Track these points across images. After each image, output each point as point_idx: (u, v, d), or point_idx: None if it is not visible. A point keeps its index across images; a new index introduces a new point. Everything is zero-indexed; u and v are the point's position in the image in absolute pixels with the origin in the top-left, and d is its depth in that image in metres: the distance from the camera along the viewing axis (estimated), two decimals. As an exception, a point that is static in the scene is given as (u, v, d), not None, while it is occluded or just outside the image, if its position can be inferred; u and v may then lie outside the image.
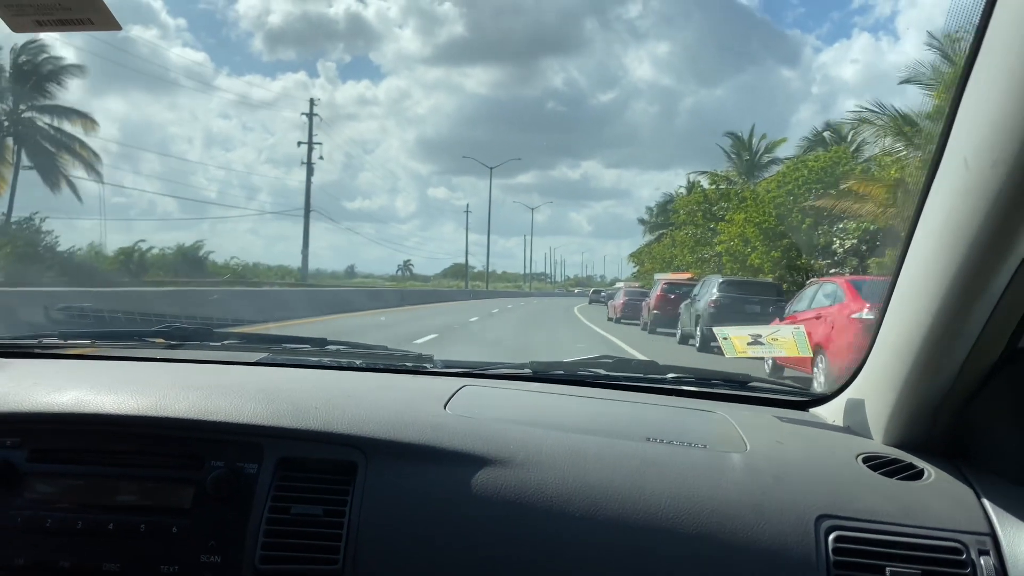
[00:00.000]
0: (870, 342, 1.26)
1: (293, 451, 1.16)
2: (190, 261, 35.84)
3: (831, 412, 1.43)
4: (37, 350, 1.64)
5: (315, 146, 44.91)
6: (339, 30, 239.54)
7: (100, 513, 1.14)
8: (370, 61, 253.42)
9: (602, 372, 1.64)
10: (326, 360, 1.68)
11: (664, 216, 57.21)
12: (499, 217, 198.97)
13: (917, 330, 1.08)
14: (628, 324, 22.45)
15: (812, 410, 1.50)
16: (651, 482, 1.09)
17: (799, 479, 1.11)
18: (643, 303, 20.85)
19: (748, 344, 1.68)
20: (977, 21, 0.88)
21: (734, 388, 1.59)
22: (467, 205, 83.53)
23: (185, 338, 1.72)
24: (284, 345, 1.76)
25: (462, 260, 74.08)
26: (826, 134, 29.46)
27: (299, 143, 44.26)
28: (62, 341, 1.67)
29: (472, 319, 20.36)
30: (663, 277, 42.24)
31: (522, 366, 1.65)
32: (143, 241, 35.17)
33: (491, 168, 61.28)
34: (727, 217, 25.53)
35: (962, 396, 1.12)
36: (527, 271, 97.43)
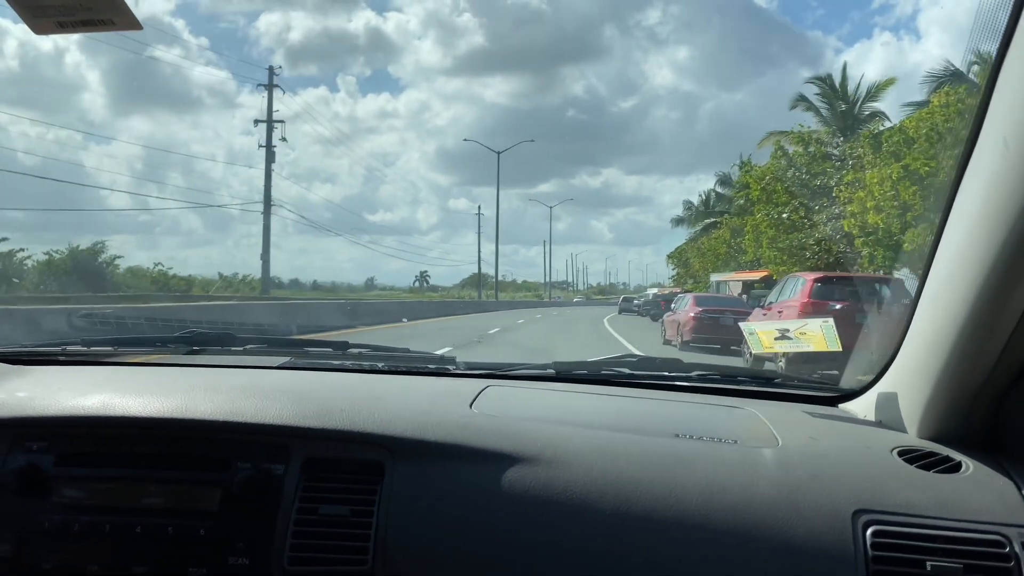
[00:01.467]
0: (901, 335, 1.34)
1: (319, 451, 1.29)
2: (85, 270, 26.01)
3: (862, 407, 1.53)
4: (62, 357, 1.79)
5: (276, 125, 35.53)
6: (359, 44, 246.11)
7: (127, 516, 1.27)
8: (389, 74, 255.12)
9: (626, 371, 1.76)
10: (348, 363, 1.82)
11: (709, 207, 46.59)
12: (520, 226, 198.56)
13: (952, 321, 1.14)
14: (701, 349, 15.77)
15: (842, 406, 1.60)
16: (682, 478, 1.19)
17: (834, 474, 1.21)
18: (744, 318, 13.10)
19: (776, 339, 1.71)
20: None
21: (761, 384, 1.70)
22: (478, 207, 78.91)
23: (207, 343, 1.84)
24: (306, 349, 1.91)
25: (482, 270, 73.31)
26: (973, 69, 18.87)
27: (256, 122, 34.70)
28: (86, 348, 1.82)
29: (440, 352, 11.21)
30: (724, 277, 31.22)
31: (545, 366, 1.77)
32: (5, 239, 25.79)
33: (499, 153, 54.07)
34: (846, 179, 19.22)
35: (999, 387, 1.20)
36: (547, 279, 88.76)
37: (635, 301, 52.79)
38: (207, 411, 1.31)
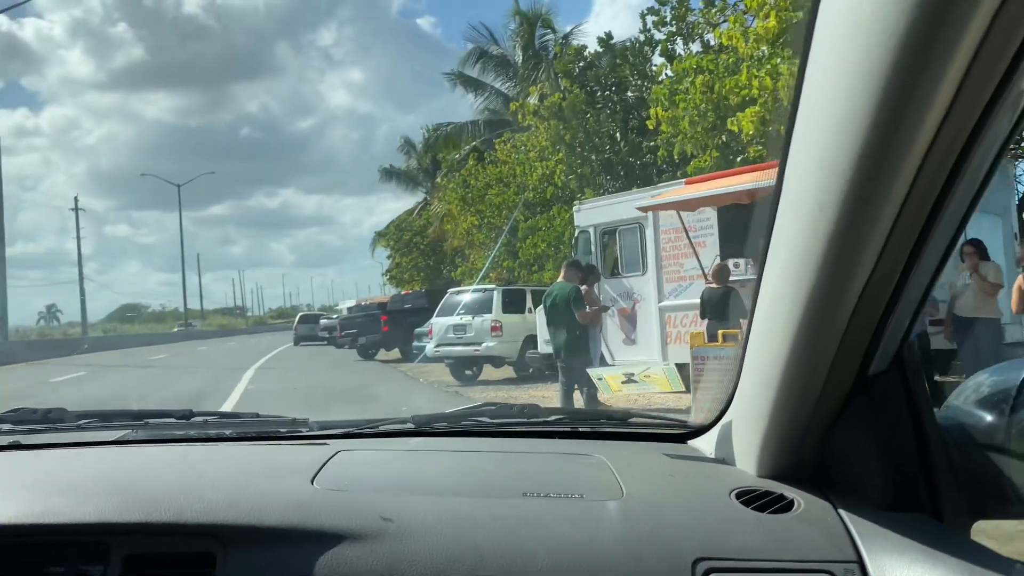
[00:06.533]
0: (738, 368, 1.35)
1: (143, 547, 1.18)
2: None
3: (708, 443, 1.54)
4: None
5: None
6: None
7: None
8: (25, 88, 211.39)
9: (486, 420, 1.74)
10: (193, 433, 1.67)
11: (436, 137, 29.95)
12: (189, 252, 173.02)
13: (776, 357, 1.14)
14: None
15: (690, 442, 1.61)
16: (528, 541, 1.16)
17: (675, 522, 1.21)
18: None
19: (623, 383, 1.80)
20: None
21: (615, 425, 1.71)
22: (75, 199, 63.00)
23: (36, 422, 1.67)
24: (147, 421, 1.75)
25: (135, 301, 67.78)
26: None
27: None
28: None
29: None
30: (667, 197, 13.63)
31: (404, 420, 1.71)
32: None
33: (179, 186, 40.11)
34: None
35: (824, 423, 1.23)
36: (184, 304, 76.27)
37: (322, 321, 35.37)
38: (12, 514, 1.18)
